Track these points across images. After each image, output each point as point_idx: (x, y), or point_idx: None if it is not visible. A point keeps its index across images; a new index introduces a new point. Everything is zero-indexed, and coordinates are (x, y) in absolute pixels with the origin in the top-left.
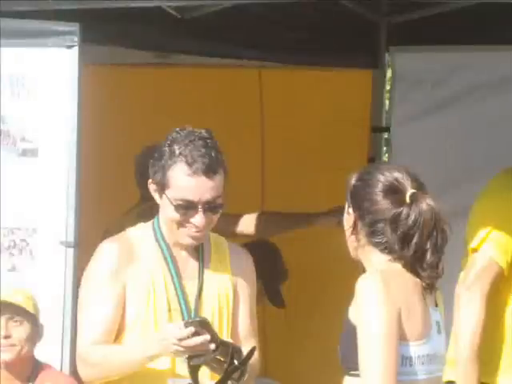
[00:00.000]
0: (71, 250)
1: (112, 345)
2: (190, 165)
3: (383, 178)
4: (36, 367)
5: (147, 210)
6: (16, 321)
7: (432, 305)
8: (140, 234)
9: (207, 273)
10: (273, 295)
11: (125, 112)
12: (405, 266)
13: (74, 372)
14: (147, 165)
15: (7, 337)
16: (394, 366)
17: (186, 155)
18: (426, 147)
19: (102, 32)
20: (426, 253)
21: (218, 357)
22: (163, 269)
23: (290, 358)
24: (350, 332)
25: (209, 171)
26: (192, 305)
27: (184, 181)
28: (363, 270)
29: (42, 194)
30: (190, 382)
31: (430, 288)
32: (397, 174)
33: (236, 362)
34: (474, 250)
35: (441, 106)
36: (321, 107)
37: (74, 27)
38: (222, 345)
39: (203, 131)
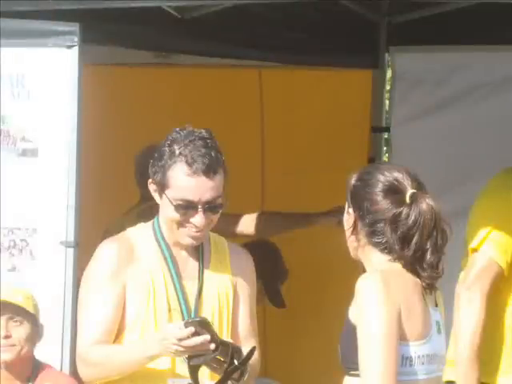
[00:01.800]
0: (71, 250)
1: (112, 345)
2: (189, 165)
3: (383, 178)
4: (36, 367)
5: (147, 209)
6: (16, 321)
7: (432, 305)
8: (140, 233)
9: (207, 273)
10: (273, 295)
11: (125, 112)
12: (405, 266)
13: (74, 372)
14: (147, 165)
15: (7, 337)
16: (393, 366)
17: (186, 155)
18: (426, 147)
19: (102, 32)
20: (426, 253)
21: (218, 357)
22: (163, 269)
23: (290, 358)
24: (350, 332)
25: (209, 171)
26: (192, 305)
27: (184, 181)
28: (363, 270)
29: (42, 194)
30: (190, 381)
31: (429, 288)
32: (397, 174)
33: (236, 362)
34: (474, 250)
35: (441, 106)
36: (321, 107)
37: (74, 27)
38: (222, 345)
39: (203, 131)
